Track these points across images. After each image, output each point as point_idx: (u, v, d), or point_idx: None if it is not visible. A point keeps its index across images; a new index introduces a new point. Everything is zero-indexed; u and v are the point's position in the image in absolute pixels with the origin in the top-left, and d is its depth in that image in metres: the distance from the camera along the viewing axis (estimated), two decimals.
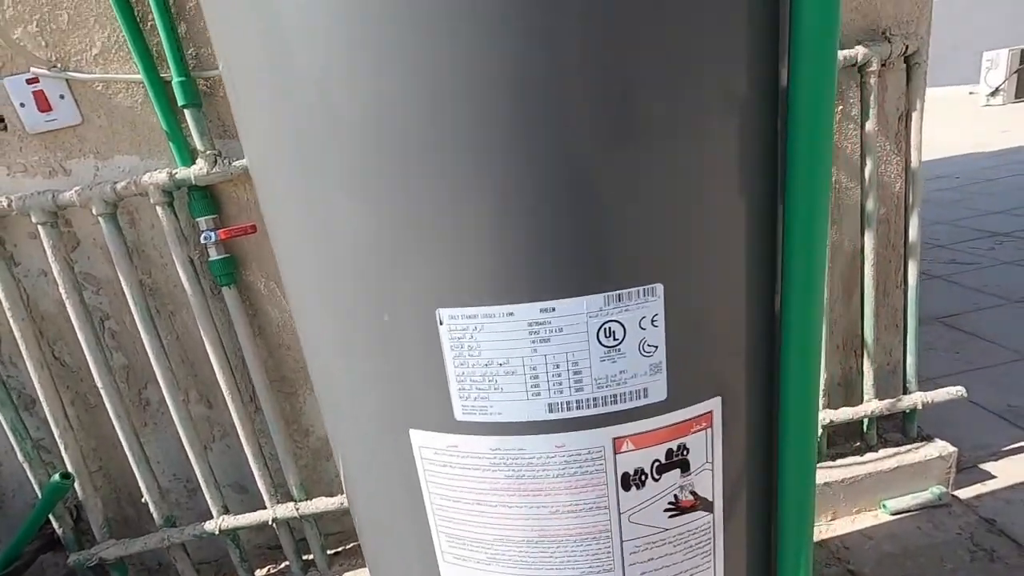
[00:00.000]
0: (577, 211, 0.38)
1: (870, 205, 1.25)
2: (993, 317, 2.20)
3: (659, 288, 0.39)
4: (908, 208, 1.28)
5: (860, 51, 1.14)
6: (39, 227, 1.10)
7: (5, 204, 1.07)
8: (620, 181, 0.38)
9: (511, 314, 0.39)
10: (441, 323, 0.40)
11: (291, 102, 0.40)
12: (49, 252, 1.11)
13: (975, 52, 9.98)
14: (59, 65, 1.06)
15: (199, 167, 1.09)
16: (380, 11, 0.34)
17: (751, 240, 0.41)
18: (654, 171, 0.38)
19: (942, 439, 1.42)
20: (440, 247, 0.39)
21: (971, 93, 9.32)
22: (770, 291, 0.43)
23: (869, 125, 1.20)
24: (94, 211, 1.09)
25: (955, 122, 7.04)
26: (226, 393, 1.24)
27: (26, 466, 1.25)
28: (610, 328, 0.39)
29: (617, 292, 0.39)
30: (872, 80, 1.17)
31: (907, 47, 1.17)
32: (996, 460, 1.47)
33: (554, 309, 0.39)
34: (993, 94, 7.90)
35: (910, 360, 1.38)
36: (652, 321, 0.40)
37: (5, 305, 1.15)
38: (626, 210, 0.38)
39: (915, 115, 1.22)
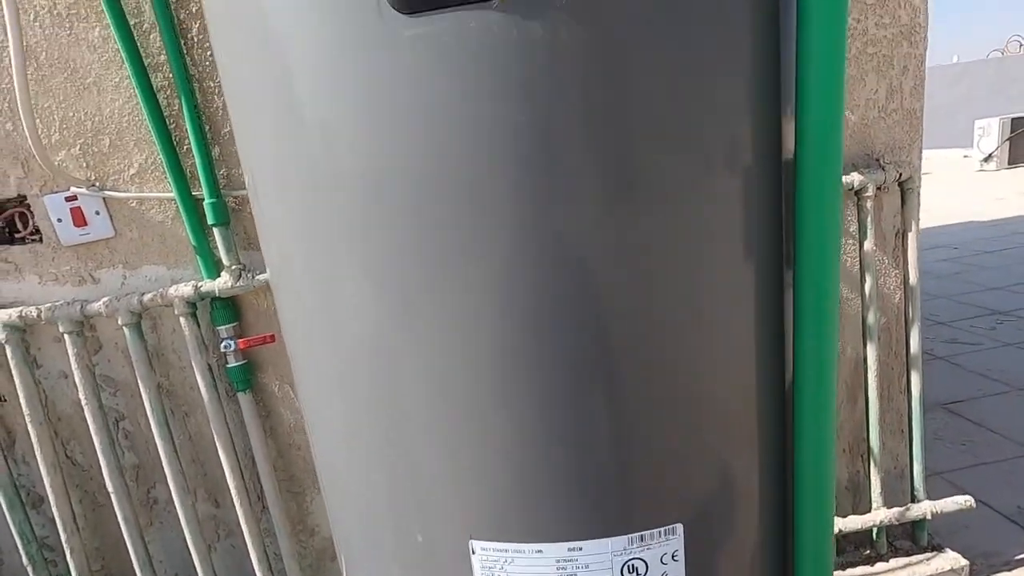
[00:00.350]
0: (602, 457, 0.40)
1: (871, 318, 1.29)
2: (999, 406, 2.20)
3: (679, 528, 0.42)
4: (908, 321, 1.31)
5: (856, 177, 1.20)
6: (65, 335, 1.13)
7: (35, 315, 1.11)
8: (643, 421, 0.41)
9: (540, 552, 0.41)
10: (473, 552, 0.43)
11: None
12: (72, 359, 1.14)
13: (968, 116, 10.30)
14: (97, 184, 1.12)
15: (224, 280, 1.13)
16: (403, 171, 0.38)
17: (763, 486, 0.44)
18: (679, 413, 0.41)
19: (953, 548, 1.40)
20: (473, 486, 0.41)
21: (965, 156, 9.55)
22: (782, 527, 0.46)
23: (867, 244, 1.25)
24: (119, 321, 1.13)
25: (951, 187, 7.20)
26: (234, 493, 1.25)
27: (29, 568, 1.24)
28: (633, 565, 0.42)
29: (640, 533, 0.41)
30: (868, 204, 1.22)
31: (900, 174, 1.23)
32: (1009, 571, 1.45)
33: (581, 548, 0.41)
34: (987, 160, 8.11)
35: (917, 468, 1.39)
36: (672, 556, 0.42)
37: (24, 408, 1.17)
38: (647, 452, 0.41)
39: (911, 235, 1.27)
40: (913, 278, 1.29)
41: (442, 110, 0.35)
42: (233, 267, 1.13)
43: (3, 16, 1.03)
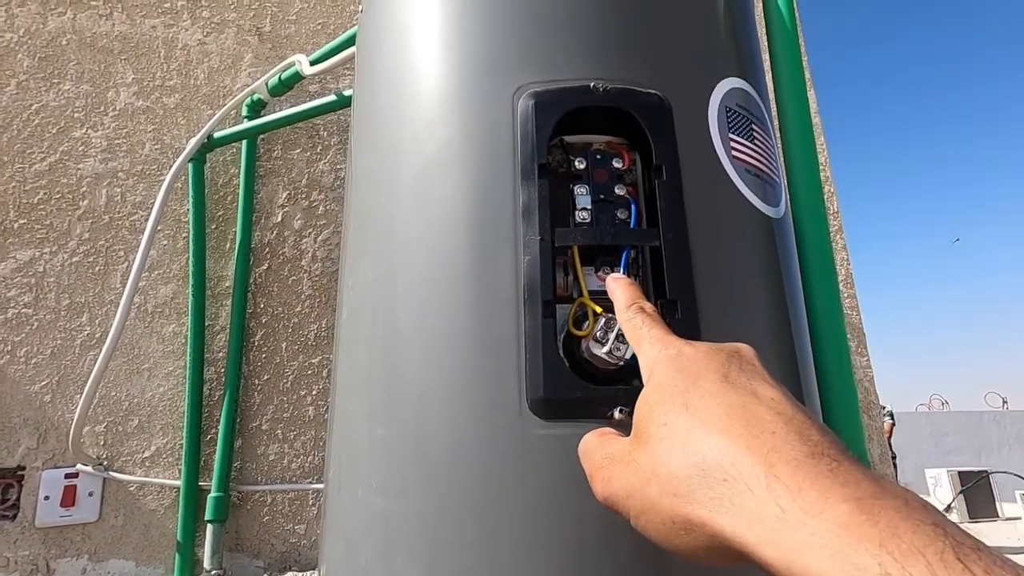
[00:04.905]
0: None
1: None
2: None
3: None
4: None
5: None
6: None
7: None
8: None
9: None
10: None
11: None
12: None
13: (913, 463, 10.81)
14: (104, 464, 1.11)
15: None
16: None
17: None
18: None
19: None
20: None
21: None
22: None
23: None
24: None
25: None
26: None
27: None
28: None
29: None
30: None
31: None
32: None
33: None
34: (947, 510, 8.22)
35: None
36: None
37: None
38: None
39: None
40: None
41: (554, 497, 0.42)
42: (213, 572, 1.04)
43: (99, 308, 1.18)
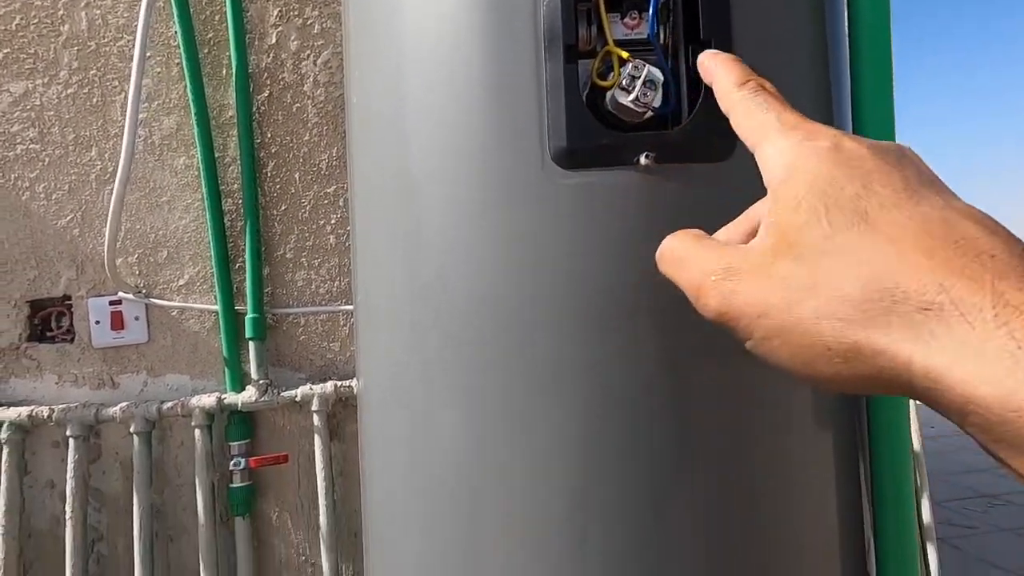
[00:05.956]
0: None
1: None
2: None
3: None
4: (918, 491, 1.33)
5: None
6: (71, 439, 1.09)
7: (45, 416, 1.08)
8: None
9: None
10: None
11: None
12: (71, 467, 1.08)
13: None
14: (144, 292, 1.17)
15: (248, 395, 1.13)
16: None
17: None
18: None
19: None
20: None
21: None
22: None
23: None
24: (132, 428, 1.10)
25: None
26: None
27: None
28: None
29: None
30: None
31: None
32: None
33: None
34: None
35: None
36: None
37: (0, 519, 1.07)
38: None
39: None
40: (917, 445, 1.33)
41: (580, 246, 0.42)
42: (260, 382, 1.14)
43: (106, 142, 1.16)
